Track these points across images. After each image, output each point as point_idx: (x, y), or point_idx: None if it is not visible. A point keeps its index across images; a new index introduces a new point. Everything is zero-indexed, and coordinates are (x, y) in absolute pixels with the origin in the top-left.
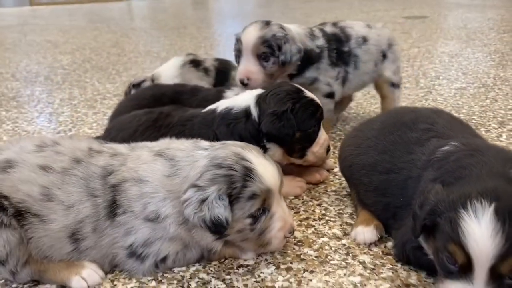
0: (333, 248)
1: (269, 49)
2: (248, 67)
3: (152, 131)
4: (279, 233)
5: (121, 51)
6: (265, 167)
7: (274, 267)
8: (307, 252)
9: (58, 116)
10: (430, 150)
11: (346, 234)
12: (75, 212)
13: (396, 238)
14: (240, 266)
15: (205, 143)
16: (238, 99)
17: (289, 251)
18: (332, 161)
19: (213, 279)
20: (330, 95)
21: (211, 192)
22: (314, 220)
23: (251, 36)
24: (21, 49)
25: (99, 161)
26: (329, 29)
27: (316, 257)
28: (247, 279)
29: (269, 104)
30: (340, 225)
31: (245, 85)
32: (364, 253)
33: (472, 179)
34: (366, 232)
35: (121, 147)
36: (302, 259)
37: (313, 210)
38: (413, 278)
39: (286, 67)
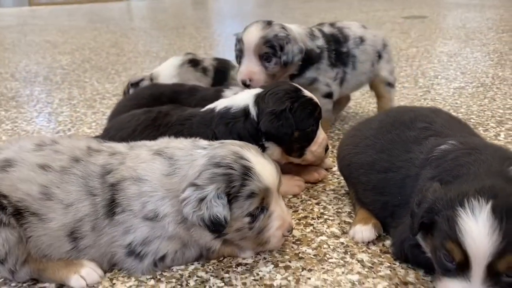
0: (331, 247)
1: (271, 50)
2: (250, 67)
3: (151, 130)
4: (277, 232)
5: (120, 51)
6: (263, 166)
7: (273, 266)
8: (306, 250)
9: (57, 116)
10: (428, 149)
11: (344, 232)
12: (74, 211)
13: (394, 236)
14: (238, 264)
15: (203, 142)
16: (237, 98)
17: (287, 250)
18: (331, 160)
19: (211, 278)
20: (329, 95)
21: (209, 191)
22: (313, 218)
23: (253, 36)
24: (20, 49)
25: (98, 160)
26: (327, 29)
27: (314, 255)
28: (246, 277)
29: (267, 103)
30: (339, 223)
31: (247, 86)
32: (362, 251)
33: (470, 177)
34: (364, 230)
35: (120, 146)
36: (301, 258)
37: (312, 209)
38: (411, 276)
39: (288, 67)
